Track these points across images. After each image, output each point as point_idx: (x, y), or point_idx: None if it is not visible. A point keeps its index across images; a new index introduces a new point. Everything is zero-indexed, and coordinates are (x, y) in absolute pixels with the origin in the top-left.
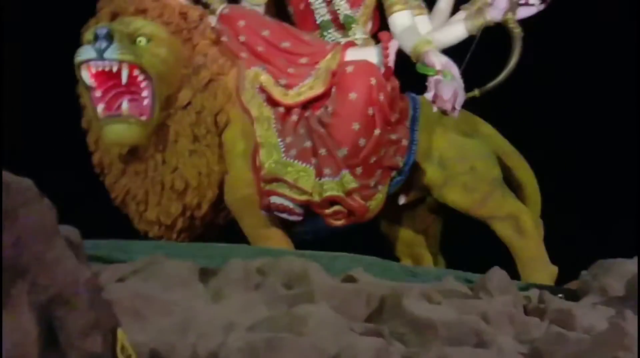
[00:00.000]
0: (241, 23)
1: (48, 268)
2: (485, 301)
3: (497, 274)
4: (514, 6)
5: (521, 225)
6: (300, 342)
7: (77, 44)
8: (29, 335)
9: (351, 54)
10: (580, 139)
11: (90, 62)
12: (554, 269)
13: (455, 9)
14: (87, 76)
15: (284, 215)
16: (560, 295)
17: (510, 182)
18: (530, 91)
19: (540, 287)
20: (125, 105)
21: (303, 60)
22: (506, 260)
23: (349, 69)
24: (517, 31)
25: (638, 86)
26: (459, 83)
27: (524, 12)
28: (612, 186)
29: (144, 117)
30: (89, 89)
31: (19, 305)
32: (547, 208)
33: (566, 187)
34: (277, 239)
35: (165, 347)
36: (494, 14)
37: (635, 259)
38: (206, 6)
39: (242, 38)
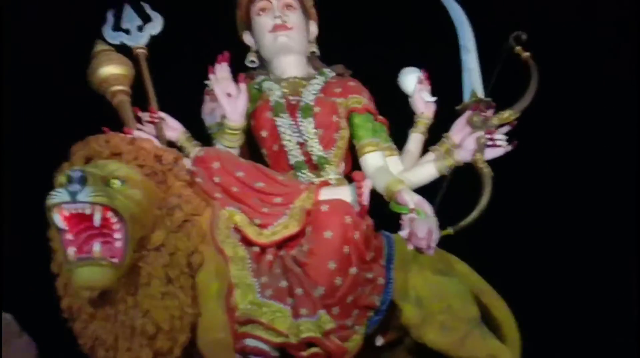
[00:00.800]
0: (216, 165)
1: None
2: None
3: None
4: (481, 147)
5: None
6: None
7: (49, 188)
8: None
9: (325, 193)
10: (558, 277)
11: (63, 204)
12: None
13: (424, 151)
14: (59, 218)
15: None
16: None
17: (488, 321)
18: (505, 229)
19: None
20: (97, 247)
21: (277, 200)
22: None
23: (324, 207)
24: (487, 171)
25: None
26: (433, 221)
27: (492, 153)
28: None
29: (115, 260)
30: (61, 232)
31: None
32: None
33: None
34: None
35: None
36: (462, 155)
37: None
38: (181, 149)
39: (216, 179)
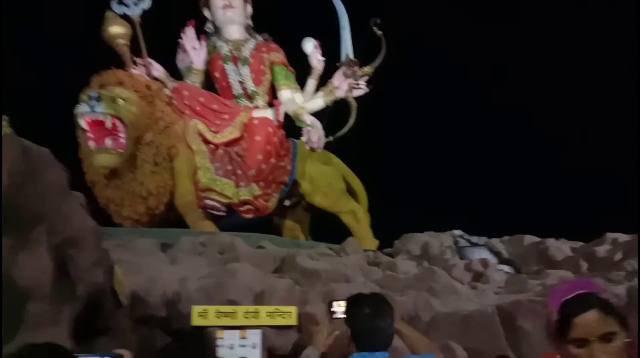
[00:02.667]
0: (185, 93)
1: (62, 217)
2: (345, 258)
3: (350, 241)
4: (351, 88)
5: (357, 216)
6: (236, 283)
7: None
8: (45, 269)
9: (256, 113)
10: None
11: (85, 114)
12: (376, 241)
13: (316, 90)
14: (83, 123)
15: (214, 211)
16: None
17: (350, 191)
18: (362, 137)
19: (373, 251)
20: (108, 142)
21: (226, 116)
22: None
23: (255, 121)
24: (353, 103)
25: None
26: (322, 132)
27: (357, 92)
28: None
29: (121, 150)
30: (84, 131)
31: (38, 245)
32: (372, 207)
33: (384, 196)
34: (210, 227)
35: (142, 290)
36: (339, 93)
37: (426, 233)
38: (163, 83)
39: (186, 101)
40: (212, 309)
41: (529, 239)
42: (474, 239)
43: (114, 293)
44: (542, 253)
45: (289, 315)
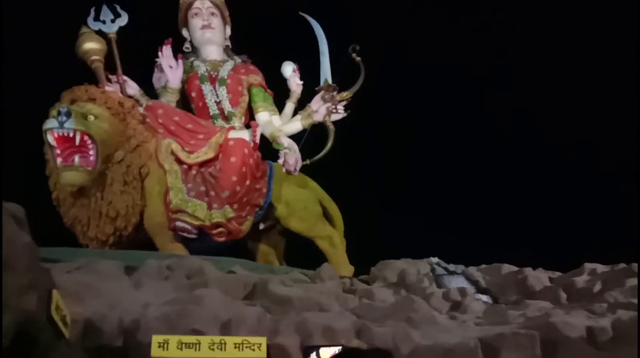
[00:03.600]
0: (160, 111)
1: None
2: (320, 285)
3: (326, 267)
4: (329, 113)
5: (334, 241)
6: (202, 311)
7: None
8: None
9: (232, 134)
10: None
11: (54, 129)
12: (352, 268)
13: (294, 114)
14: (51, 138)
15: (185, 234)
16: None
17: (327, 216)
18: (339, 162)
19: (348, 278)
20: (77, 159)
21: (201, 136)
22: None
23: (231, 142)
24: (331, 127)
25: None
26: (298, 155)
27: (335, 117)
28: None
29: (89, 168)
30: (52, 148)
31: None
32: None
33: (360, 221)
34: (180, 250)
35: (97, 317)
36: (317, 117)
37: (402, 260)
38: (137, 101)
39: (160, 120)
40: (174, 339)
41: (507, 268)
42: (451, 267)
43: (52, 323)
44: (521, 283)
45: (258, 347)
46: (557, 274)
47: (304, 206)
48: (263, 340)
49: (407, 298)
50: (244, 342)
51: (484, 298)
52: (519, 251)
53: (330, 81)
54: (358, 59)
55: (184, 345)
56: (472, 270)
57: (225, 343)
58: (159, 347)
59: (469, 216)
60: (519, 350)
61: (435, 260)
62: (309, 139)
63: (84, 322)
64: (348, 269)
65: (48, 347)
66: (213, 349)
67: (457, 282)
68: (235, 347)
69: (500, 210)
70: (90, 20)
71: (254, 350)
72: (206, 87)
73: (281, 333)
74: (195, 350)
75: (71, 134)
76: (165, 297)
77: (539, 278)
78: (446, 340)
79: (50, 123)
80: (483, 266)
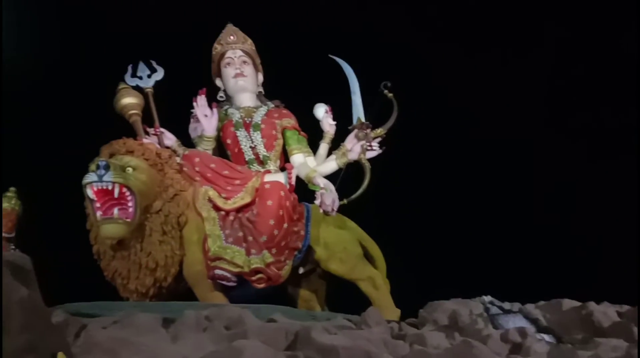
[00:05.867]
0: (196, 160)
1: None
2: (367, 331)
3: (372, 312)
4: (364, 151)
5: (376, 283)
6: None
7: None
8: None
9: (268, 178)
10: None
11: (93, 183)
12: (398, 311)
13: (329, 154)
14: (90, 192)
15: (224, 282)
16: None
17: (367, 257)
18: (377, 201)
19: (395, 322)
20: (116, 211)
21: (237, 182)
22: (367, 306)
23: (267, 186)
24: (367, 165)
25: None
26: (335, 195)
27: (370, 154)
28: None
29: (128, 219)
30: (92, 201)
31: None
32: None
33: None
34: (220, 299)
35: None
36: (352, 156)
37: (452, 300)
38: (175, 152)
39: (197, 168)
40: None
41: (568, 303)
42: (507, 305)
43: None
44: (586, 319)
45: None
46: (626, 307)
47: (343, 247)
48: None
49: (464, 342)
50: None
51: (547, 337)
52: (577, 284)
53: (363, 119)
54: (390, 95)
55: None
56: (530, 307)
57: None
58: None
59: (522, 248)
60: None
61: (488, 298)
62: (345, 178)
63: None
64: (394, 312)
65: None
66: None
67: (514, 322)
68: None
69: (558, 242)
70: (127, 76)
71: None
72: (241, 134)
73: None
74: None
75: (110, 187)
76: (204, 350)
77: (605, 313)
78: None
79: (90, 177)
80: (541, 302)
